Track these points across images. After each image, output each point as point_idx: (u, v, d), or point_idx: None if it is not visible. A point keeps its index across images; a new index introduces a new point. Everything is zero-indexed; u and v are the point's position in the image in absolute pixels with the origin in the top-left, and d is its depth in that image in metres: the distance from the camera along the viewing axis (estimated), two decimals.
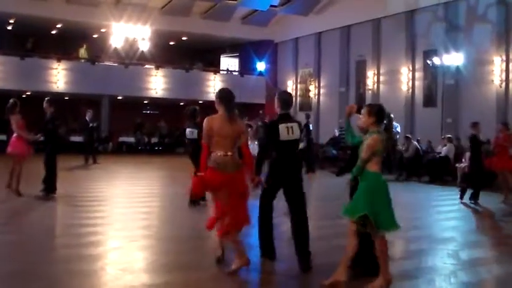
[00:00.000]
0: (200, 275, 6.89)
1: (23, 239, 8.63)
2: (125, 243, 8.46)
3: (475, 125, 14.46)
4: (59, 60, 28.17)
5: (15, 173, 12.52)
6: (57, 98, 12.51)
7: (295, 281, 6.85)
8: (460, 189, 14.53)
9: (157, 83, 30.21)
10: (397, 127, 21.59)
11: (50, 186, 12.77)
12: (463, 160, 18.56)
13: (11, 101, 12.63)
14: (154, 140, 32.11)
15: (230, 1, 28.05)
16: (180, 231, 9.38)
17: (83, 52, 30.16)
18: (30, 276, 6.60)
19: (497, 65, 20.51)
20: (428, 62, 22.68)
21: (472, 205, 13.69)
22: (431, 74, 23.20)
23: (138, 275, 6.81)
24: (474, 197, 14.00)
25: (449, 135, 20.15)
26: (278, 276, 7.08)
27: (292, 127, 7.23)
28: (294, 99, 7.78)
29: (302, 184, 7.32)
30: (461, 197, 14.13)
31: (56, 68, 27.86)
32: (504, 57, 20.35)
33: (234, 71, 35.01)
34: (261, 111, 15.09)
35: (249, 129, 18.57)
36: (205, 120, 6.80)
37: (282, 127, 7.24)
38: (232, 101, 6.85)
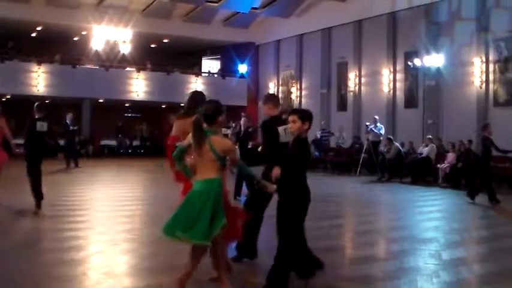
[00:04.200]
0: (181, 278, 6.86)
1: (3, 244, 8.54)
2: (107, 247, 8.42)
3: (486, 126, 14.52)
4: (39, 63, 27.97)
5: None
6: (37, 101, 12.01)
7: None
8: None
9: (138, 86, 30.10)
10: (381, 128, 21.73)
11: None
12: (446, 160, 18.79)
13: None
14: (136, 143, 32.03)
15: (211, 3, 28.00)
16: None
17: (58, 60, 29.84)
18: (11, 282, 6.54)
19: (477, 66, 20.66)
20: (409, 63, 22.81)
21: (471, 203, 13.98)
22: (412, 75, 23.32)
23: (121, 278, 6.78)
24: (472, 195, 14.18)
25: (429, 136, 20.28)
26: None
27: None
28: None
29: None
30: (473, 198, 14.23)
31: (36, 71, 27.65)
32: (484, 59, 20.50)
33: (216, 73, 34.99)
34: (243, 114, 15.02)
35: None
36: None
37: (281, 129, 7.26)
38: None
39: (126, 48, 29.63)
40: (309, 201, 6.26)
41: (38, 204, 11.23)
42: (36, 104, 11.83)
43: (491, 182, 14.26)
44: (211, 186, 5.78)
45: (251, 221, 7.21)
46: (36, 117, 11.52)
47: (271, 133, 7.32)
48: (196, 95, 7.14)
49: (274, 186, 6.07)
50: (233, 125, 20.06)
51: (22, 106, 25.92)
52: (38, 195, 11.33)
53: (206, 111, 5.90)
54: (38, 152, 11.54)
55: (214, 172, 5.81)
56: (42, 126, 11.49)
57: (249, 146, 14.32)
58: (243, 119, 14.90)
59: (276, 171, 6.16)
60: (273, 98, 7.92)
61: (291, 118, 6.32)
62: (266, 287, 6.18)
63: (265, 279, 6.24)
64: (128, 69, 30.51)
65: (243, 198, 13.58)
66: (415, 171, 19.67)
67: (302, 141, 6.31)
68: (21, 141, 13.11)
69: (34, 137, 11.43)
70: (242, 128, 14.73)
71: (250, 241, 7.52)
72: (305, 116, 6.33)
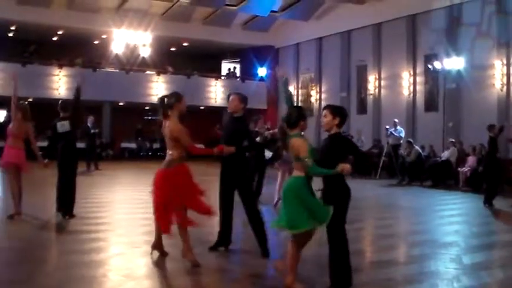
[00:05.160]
0: (202, 280, 6.89)
1: (24, 246, 8.62)
2: (127, 249, 8.44)
3: (491, 127, 14.43)
4: (60, 66, 28.22)
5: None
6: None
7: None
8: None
9: (158, 89, 30.23)
10: (401, 132, 21.64)
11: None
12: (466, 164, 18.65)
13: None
14: (156, 145, 32.15)
15: (231, 7, 28.09)
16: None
17: (79, 63, 29.99)
18: (33, 282, 6.60)
19: (498, 68, 20.52)
20: (430, 66, 22.69)
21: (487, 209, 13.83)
22: (433, 78, 23.21)
23: (141, 281, 6.80)
24: (489, 200, 14.06)
25: (452, 139, 20.11)
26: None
27: None
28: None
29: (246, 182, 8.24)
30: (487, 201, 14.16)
31: (58, 75, 27.91)
32: (505, 61, 20.35)
33: (235, 76, 35.01)
34: (255, 117, 15.02)
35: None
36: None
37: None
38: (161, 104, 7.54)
39: (146, 52, 29.81)
40: (350, 197, 6.36)
41: (63, 210, 10.78)
42: (60, 101, 11.26)
43: (496, 184, 14.36)
44: (295, 184, 6.15)
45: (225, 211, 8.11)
46: (61, 116, 10.86)
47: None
48: (163, 100, 7.62)
49: (348, 165, 6.08)
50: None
51: (43, 109, 26.23)
52: (62, 204, 10.78)
53: (289, 117, 6.28)
54: (63, 155, 10.78)
55: (299, 170, 6.16)
56: (63, 126, 10.75)
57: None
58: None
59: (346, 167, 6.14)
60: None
61: (323, 113, 6.48)
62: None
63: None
64: (147, 72, 30.69)
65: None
66: (436, 174, 19.53)
67: (333, 137, 6.41)
68: (43, 143, 12.89)
69: (56, 140, 10.83)
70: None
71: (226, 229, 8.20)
72: (336, 111, 6.43)
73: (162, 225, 7.42)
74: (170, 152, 7.48)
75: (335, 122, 6.36)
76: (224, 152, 7.69)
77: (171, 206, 7.32)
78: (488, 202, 14.02)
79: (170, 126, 7.41)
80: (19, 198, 10.87)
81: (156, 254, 7.83)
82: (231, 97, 8.31)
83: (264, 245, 7.94)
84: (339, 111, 6.43)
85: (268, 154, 14.06)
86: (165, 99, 7.58)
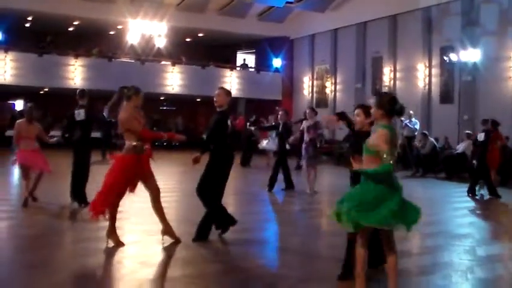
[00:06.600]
0: (217, 268, 6.95)
1: (40, 233, 8.72)
2: (142, 237, 8.53)
3: (485, 121, 14.79)
4: (76, 57, 28.33)
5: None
6: (74, 94, 11.68)
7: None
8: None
9: (173, 80, 30.29)
10: (416, 123, 21.57)
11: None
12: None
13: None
14: None
15: None
16: (197, 225, 9.39)
17: (95, 53, 30.11)
18: (49, 269, 6.69)
19: None
20: (445, 58, 22.56)
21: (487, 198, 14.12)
22: (448, 70, 23.07)
23: (156, 268, 6.88)
24: (493, 192, 14.29)
25: (469, 131, 19.95)
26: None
27: None
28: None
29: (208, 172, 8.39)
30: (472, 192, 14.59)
31: (73, 65, 28.01)
32: None
33: (250, 67, 35.00)
34: (277, 108, 15.34)
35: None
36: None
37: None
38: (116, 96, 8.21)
39: (161, 42, 29.87)
40: None
41: (78, 198, 11.01)
42: (78, 90, 11.56)
43: (489, 176, 14.60)
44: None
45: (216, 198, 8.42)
46: (79, 104, 11.07)
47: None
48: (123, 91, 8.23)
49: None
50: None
51: (59, 99, 26.48)
52: (76, 195, 11.04)
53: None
54: (80, 144, 11.07)
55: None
56: (79, 114, 10.93)
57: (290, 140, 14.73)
58: (280, 112, 15.25)
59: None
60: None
61: (355, 112, 6.60)
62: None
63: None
64: (163, 62, 30.76)
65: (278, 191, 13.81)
66: (450, 167, 19.46)
67: (363, 133, 6.43)
68: (58, 133, 13.10)
69: (73, 128, 11.10)
70: (280, 122, 14.94)
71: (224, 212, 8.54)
72: (368, 111, 6.43)
73: (96, 206, 7.84)
74: (125, 141, 8.05)
75: (367, 121, 6.52)
76: (175, 139, 8.72)
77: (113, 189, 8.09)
78: (493, 194, 14.26)
79: (121, 115, 7.87)
80: (32, 185, 11.21)
81: (168, 240, 7.91)
82: (217, 92, 8.83)
83: (201, 229, 8.30)
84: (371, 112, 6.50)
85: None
86: (125, 91, 8.05)
